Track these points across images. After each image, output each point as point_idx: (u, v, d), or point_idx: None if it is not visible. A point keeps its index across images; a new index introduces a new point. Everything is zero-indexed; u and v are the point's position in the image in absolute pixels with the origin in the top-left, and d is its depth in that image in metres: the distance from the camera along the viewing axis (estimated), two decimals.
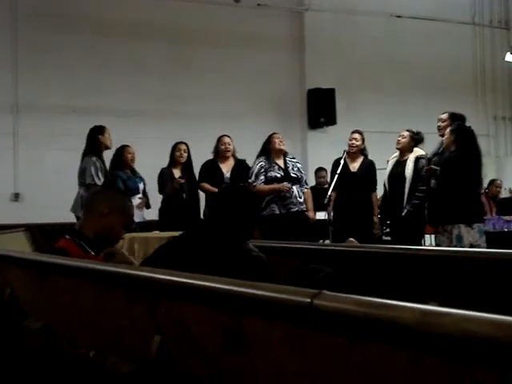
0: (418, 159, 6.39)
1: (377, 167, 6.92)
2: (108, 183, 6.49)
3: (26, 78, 8.73)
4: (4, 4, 8.73)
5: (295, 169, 6.69)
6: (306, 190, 6.76)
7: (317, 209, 6.92)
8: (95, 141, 6.55)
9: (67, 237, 2.83)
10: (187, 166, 7.00)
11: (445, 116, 6.24)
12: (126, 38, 9.28)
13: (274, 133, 6.90)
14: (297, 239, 4.90)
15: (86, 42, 9.07)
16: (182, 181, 6.75)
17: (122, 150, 6.93)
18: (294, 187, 6.55)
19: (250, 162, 6.96)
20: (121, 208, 2.91)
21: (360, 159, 6.86)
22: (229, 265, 2.45)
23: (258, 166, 6.66)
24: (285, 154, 6.79)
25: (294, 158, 6.87)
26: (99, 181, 6.39)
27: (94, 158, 6.45)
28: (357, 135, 6.88)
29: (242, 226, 2.72)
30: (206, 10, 9.73)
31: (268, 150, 6.73)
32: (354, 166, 6.83)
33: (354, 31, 10.72)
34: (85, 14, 9.09)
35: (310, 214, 6.74)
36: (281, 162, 6.70)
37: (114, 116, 8.75)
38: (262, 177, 6.61)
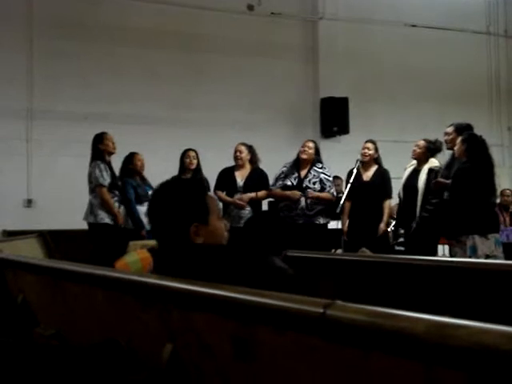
0: (431, 171, 6.29)
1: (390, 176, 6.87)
2: (115, 186, 6.57)
3: (40, 84, 8.78)
4: (19, 12, 8.79)
5: (315, 179, 6.55)
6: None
7: (330, 217, 6.84)
8: (96, 149, 6.64)
9: None
10: (196, 173, 7.00)
11: (450, 129, 6.14)
12: (139, 45, 9.32)
13: (307, 140, 6.85)
14: None
15: (100, 49, 9.11)
16: None
17: (131, 158, 6.96)
18: (303, 199, 6.45)
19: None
20: None
21: (373, 168, 6.79)
22: (252, 277, 2.49)
23: (280, 171, 6.72)
24: (313, 163, 6.64)
25: (321, 168, 6.66)
26: (104, 181, 6.46)
27: (98, 162, 6.55)
28: (369, 144, 6.80)
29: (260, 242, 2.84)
30: (219, 19, 9.75)
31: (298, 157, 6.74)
32: (368, 175, 6.76)
33: (368, 40, 10.71)
34: (99, 21, 9.14)
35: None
36: (303, 171, 6.60)
37: (127, 123, 8.78)
38: (280, 182, 6.62)
